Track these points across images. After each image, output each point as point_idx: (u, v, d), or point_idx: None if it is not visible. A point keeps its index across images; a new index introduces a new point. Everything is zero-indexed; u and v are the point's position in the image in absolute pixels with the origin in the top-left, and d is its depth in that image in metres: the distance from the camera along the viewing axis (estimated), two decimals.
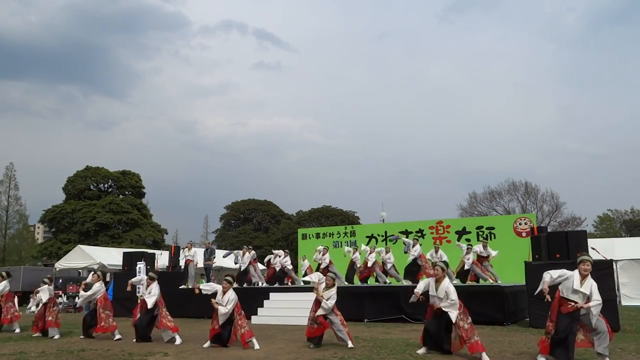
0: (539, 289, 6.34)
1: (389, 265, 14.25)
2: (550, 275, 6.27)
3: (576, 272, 6.16)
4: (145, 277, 9.88)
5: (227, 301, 8.29)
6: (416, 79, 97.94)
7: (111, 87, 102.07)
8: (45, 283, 10.67)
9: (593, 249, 11.16)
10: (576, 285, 6.04)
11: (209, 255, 16.36)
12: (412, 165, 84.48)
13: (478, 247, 13.27)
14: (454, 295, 6.82)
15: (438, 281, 7.02)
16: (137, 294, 14.67)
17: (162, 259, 19.36)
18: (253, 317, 12.06)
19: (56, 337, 9.98)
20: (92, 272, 10.21)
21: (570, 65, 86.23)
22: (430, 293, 7.07)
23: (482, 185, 79.15)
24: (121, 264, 16.77)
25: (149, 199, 44.67)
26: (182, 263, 17.10)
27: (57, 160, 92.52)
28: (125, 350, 8.06)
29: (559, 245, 10.50)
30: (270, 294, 13.22)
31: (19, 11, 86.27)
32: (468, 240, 18.80)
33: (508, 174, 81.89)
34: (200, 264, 16.70)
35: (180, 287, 14.65)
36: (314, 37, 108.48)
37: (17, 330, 11.28)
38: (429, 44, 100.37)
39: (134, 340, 9.11)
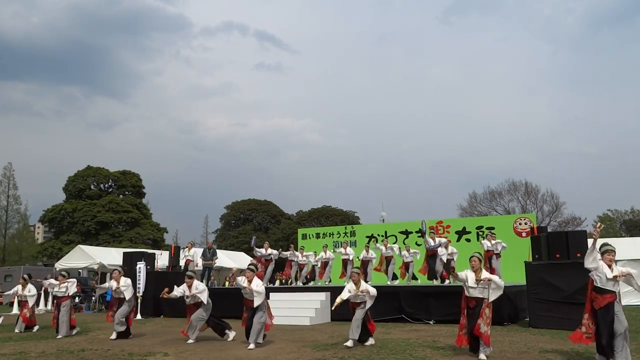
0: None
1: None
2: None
3: (601, 262, 6.19)
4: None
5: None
6: (416, 79, 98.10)
7: (112, 88, 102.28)
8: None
9: None
10: (609, 274, 6.10)
11: (210, 255, 16.32)
12: (412, 165, 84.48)
13: (485, 242, 13.32)
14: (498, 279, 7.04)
15: (476, 272, 7.00)
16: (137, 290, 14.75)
17: (162, 259, 19.35)
18: None
19: (59, 336, 9.98)
20: (114, 270, 10.19)
21: (570, 65, 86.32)
22: (469, 284, 6.99)
23: (482, 185, 79.13)
24: (121, 264, 16.76)
25: (149, 199, 44.76)
26: (182, 263, 17.10)
27: (58, 161, 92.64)
28: (125, 350, 8.06)
29: (559, 245, 10.48)
30: (271, 294, 13.19)
31: (21, 12, 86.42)
32: (468, 240, 18.85)
33: (508, 174, 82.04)
34: (199, 264, 16.69)
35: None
36: (315, 39, 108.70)
37: (17, 330, 11.32)
38: (429, 45, 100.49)
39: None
